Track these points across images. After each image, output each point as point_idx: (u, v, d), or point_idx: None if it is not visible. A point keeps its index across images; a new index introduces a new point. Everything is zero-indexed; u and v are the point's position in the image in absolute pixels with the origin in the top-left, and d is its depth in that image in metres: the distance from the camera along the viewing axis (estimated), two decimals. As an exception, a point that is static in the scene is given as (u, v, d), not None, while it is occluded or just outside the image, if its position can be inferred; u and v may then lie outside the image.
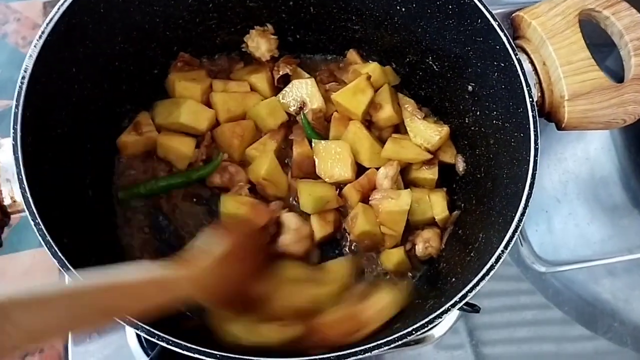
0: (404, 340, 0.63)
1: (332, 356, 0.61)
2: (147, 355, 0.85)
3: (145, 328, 0.60)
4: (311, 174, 0.90)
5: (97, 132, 0.84)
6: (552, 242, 1.06)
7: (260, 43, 0.93)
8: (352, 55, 0.98)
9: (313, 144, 0.90)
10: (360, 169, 0.90)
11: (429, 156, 0.89)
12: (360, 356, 0.62)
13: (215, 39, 0.94)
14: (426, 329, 0.64)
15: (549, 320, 1.02)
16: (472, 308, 0.77)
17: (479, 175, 0.86)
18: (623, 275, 1.06)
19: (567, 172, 1.11)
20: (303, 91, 0.91)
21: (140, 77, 0.89)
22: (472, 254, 0.76)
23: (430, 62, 0.90)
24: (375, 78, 0.91)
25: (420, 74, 0.94)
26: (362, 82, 0.89)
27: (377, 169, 0.89)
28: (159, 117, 0.89)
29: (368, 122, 0.91)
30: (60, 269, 0.63)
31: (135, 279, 0.56)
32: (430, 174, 0.90)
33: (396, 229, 0.86)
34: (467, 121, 0.88)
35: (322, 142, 0.89)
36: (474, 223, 0.82)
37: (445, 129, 0.89)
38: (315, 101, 0.90)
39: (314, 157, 0.90)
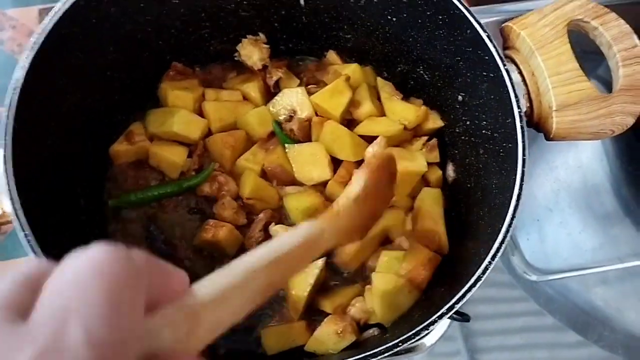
0: (392, 351, 0.63)
1: (320, 366, 0.61)
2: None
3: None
4: (289, 181, 0.89)
5: (89, 141, 0.84)
6: (544, 250, 1.06)
7: (252, 52, 0.93)
8: (331, 55, 0.97)
9: (287, 150, 0.89)
10: (337, 167, 0.89)
11: (400, 127, 0.89)
12: (349, 367, 0.62)
13: (208, 48, 0.95)
14: (414, 339, 0.64)
15: (542, 327, 1.02)
16: (462, 317, 0.77)
17: (468, 185, 0.86)
18: (615, 283, 1.06)
19: (558, 181, 1.11)
20: (293, 99, 0.91)
21: (132, 86, 0.89)
22: (460, 264, 0.76)
23: (422, 72, 0.91)
24: (355, 79, 0.91)
25: (411, 83, 0.94)
26: (341, 84, 0.89)
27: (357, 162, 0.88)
28: (151, 126, 0.89)
29: (348, 122, 0.91)
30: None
31: (292, 247, 0.53)
32: (431, 157, 0.90)
33: (404, 190, 0.86)
34: (457, 130, 0.88)
35: (295, 146, 0.89)
36: (463, 233, 0.82)
37: (423, 107, 0.91)
38: (305, 109, 0.90)
39: (291, 162, 0.89)
